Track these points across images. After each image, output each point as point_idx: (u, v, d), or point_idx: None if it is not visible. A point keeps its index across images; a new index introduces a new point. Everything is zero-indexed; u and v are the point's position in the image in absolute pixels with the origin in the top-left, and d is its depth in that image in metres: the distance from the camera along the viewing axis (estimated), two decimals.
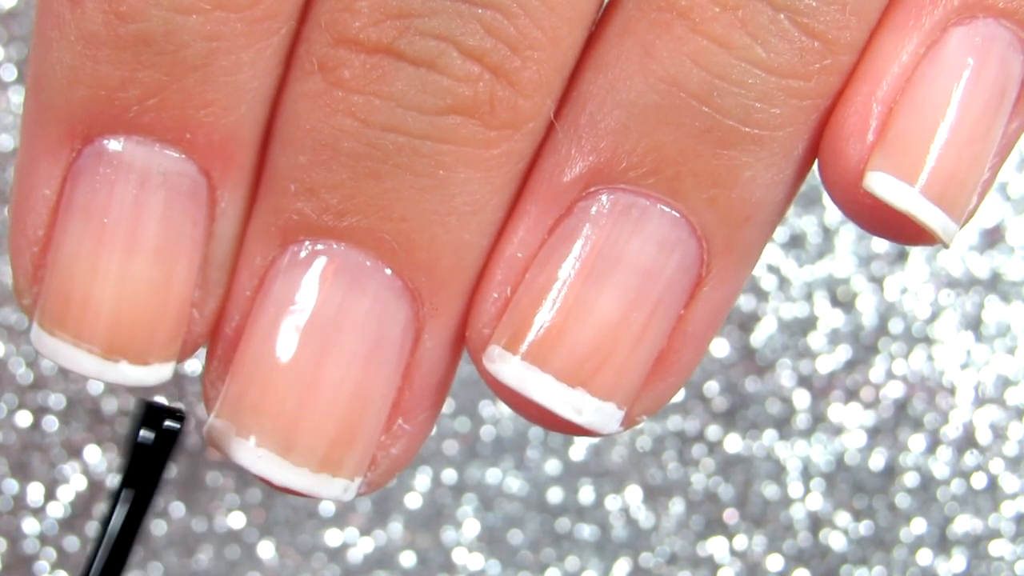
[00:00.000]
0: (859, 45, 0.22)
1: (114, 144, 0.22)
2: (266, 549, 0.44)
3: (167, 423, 0.23)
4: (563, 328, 0.23)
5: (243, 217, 0.23)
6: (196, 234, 0.23)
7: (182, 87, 0.22)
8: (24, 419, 0.43)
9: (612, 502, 0.44)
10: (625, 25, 0.22)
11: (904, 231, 0.23)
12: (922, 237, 0.23)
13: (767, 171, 0.23)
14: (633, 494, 0.44)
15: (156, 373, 0.23)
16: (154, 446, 0.23)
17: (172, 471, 0.44)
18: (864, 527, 0.44)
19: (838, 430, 0.44)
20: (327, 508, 0.44)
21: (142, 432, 0.23)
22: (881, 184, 0.22)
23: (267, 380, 0.23)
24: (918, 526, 0.44)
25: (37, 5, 0.22)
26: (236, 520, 0.44)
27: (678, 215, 0.23)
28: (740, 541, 0.44)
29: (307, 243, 0.23)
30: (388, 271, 0.23)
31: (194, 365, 0.43)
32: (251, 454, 0.23)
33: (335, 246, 0.23)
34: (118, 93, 0.22)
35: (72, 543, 0.43)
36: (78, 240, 0.23)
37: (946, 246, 0.23)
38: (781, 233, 0.45)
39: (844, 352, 0.44)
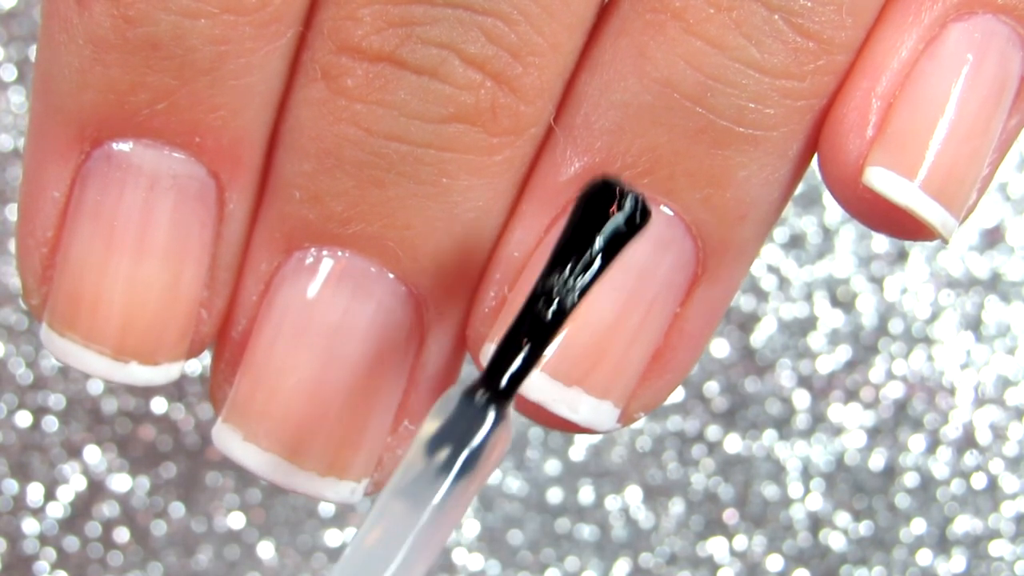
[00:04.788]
0: (855, 45, 0.22)
1: (123, 147, 0.22)
2: (266, 549, 0.44)
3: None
4: None
5: (250, 218, 0.24)
6: (205, 236, 0.23)
7: (191, 91, 0.22)
8: (24, 419, 0.43)
9: (612, 502, 0.44)
10: (620, 26, 0.22)
11: (904, 226, 0.23)
12: (921, 232, 0.23)
13: (762, 171, 0.23)
14: (633, 494, 0.44)
15: (165, 373, 0.23)
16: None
17: (172, 471, 0.44)
18: (864, 527, 0.44)
19: (838, 430, 0.44)
20: (327, 508, 0.44)
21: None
22: (880, 179, 0.22)
23: (274, 385, 0.23)
24: (918, 526, 0.44)
25: (43, 7, 0.22)
26: (236, 520, 0.44)
27: (673, 214, 0.23)
28: (740, 541, 0.44)
29: (312, 250, 0.23)
30: (392, 277, 0.23)
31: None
32: (259, 458, 0.23)
33: (340, 253, 0.23)
34: (127, 97, 0.22)
35: (72, 543, 0.43)
36: (88, 242, 0.23)
37: (945, 241, 0.23)
38: (781, 233, 0.45)
39: (844, 352, 0.44)
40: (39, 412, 0.43)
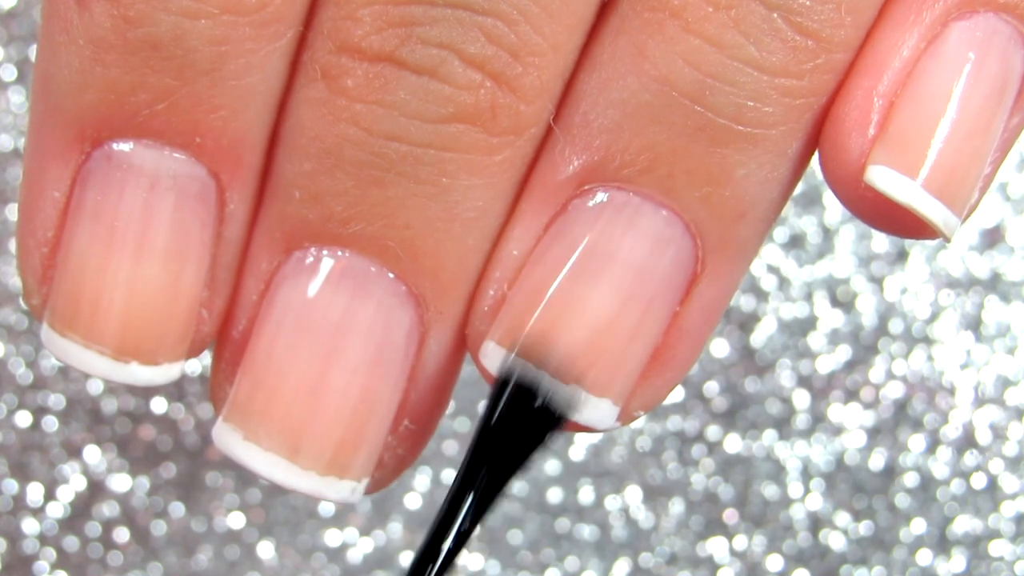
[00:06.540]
0: (855, 43, 0.22)
1: (124, 147, 0.22)
2: (266, 549, 0.44)
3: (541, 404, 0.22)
4: (556, 325, 0.23)
5: (251, 218, 0.24)
6: (205, 236, 0.23)
7: (192, 91, 0.22)
8: (24, 419, 0.43)
9: (612, 502, 0.44)
10: (619, 25, 0.22)
11: (906, 225, 0.23)
12: (923, 231, 0.23)
13: (761, 169, 0.23)
14: (633, 494, 0.44)
15: (165, 373, 0.24)
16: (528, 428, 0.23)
17: (172, 471, 0.44)
18: (864, 527, 0.44)
19: (838, 430, 0.44)
20: (327, 508, 0.44)
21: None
22: (882, 178, 0.22)
23: (274, 385, 0.23)
24: (918, 526, 0.44)
25: (43, 7, 0.22)
26: (236, 520, 0.44)
27: (672, 213, 0.23)
28: (740, 541, 0.44)
29: (312, 249, 0.23)
30: (392, 276, 0.23)
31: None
32: (259, 457, 0.23)
33: (340, 252, 0.23)
34: (128, 97, 0.22)
35: (72, 543, 0.43)
36: (88, 242, 0.23)
37: (947, 240, 0.23)
38: (781, 233, 0.45)
39: (844, 352, 0.44)
40: (39, 412, 0.43)
